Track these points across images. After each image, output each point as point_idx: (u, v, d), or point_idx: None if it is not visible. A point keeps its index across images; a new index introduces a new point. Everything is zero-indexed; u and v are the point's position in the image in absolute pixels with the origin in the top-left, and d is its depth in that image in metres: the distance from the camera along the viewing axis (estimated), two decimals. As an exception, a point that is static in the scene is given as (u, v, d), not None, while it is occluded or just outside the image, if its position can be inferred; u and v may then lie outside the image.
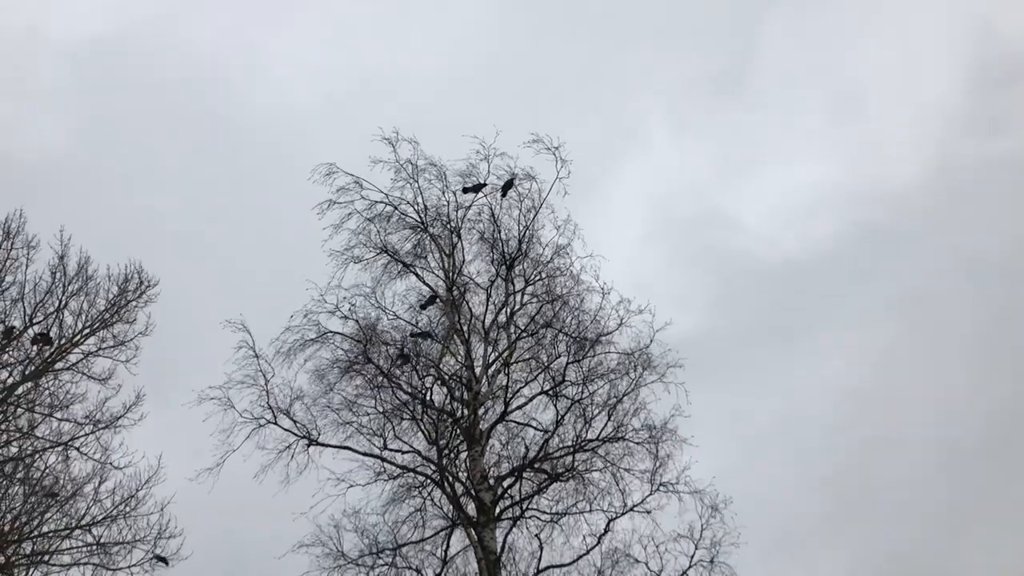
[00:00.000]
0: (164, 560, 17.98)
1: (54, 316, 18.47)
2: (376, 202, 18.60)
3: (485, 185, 18.74)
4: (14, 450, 17.92)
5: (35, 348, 18.38)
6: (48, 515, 17.93)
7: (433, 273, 18.78)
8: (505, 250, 18.68)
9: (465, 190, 18.81)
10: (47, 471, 18.04)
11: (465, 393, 17.67)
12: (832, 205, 38.07)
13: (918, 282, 33.26)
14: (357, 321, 17.84)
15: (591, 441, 17.36)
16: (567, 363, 17.83)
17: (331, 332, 17.84)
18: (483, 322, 18.27)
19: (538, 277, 18.63)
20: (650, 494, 17.17)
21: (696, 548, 16.84)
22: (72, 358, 18.56)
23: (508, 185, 18.68)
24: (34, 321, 18.36)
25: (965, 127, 38.52)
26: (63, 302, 18.50)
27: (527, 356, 18.17)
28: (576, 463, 17.27)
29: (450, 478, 17.00)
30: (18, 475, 17.79)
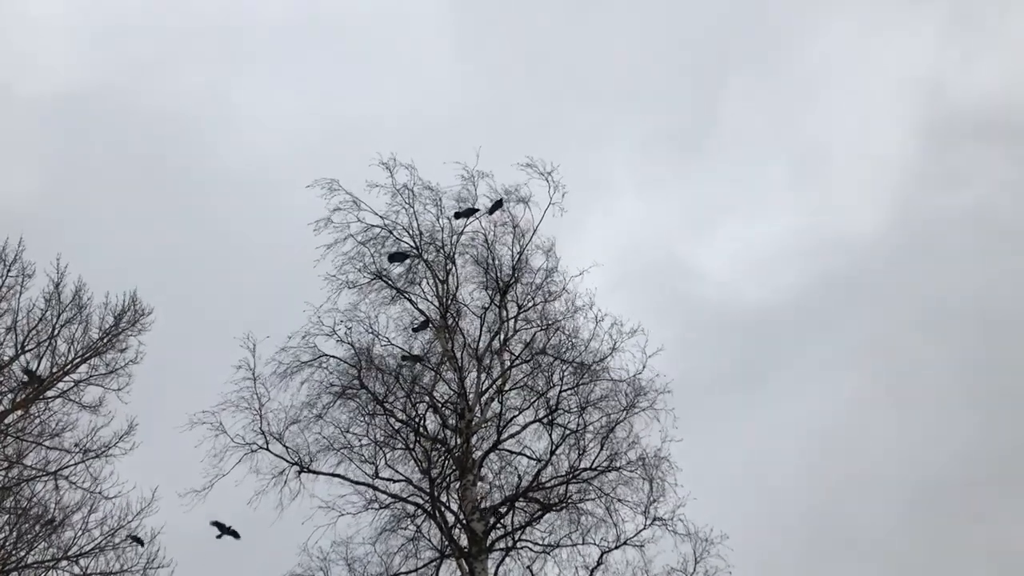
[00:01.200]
0: (139, 541, 17.72)
1: (47, 344, 18.44)
2: (372, 226, 18.63)
3: (477, 210, 18.77)
4: (0, 477, 17.74)
5: (20, 385, 18.32)
6: (35, 545, 17.71)
7: (426, 299, 18.71)
8: (499, 275, 18.62)
9: (457, 215, 18.79)
10: (35, 500, 17.85)
11: (458, 421, 17.49)
12: (794, 256, 39.02)
13: (881, 329, 34.03)
14: (352, 345, 17.75)
15: (585, 471, 17.10)
16: (561, 391, 17.68)
17: (326, 355, 17.73)
18: (476, 348, 18.16)
19: (532, 303, 18.56)
20: (644, 528, 16.87)
21: (690, 583, 16.54)
22: (63, 386, 18.52)
23: (497, 205, 18.66)
24: (26, 349, 18.29)
25: (922, 181, 40.09)
26: (56, 330, 18.50)
27: (521, 383, 18.03)
28: (569, 493, 17.02)
29: (442, 508, 16.75)
30: (5, 504, 17.59)
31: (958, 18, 43.79)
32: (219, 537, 17.28)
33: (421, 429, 17.31)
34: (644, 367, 17.39)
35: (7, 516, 17.31)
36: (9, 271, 18.56)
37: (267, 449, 17.02)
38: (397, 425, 17.28)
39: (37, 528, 17.28)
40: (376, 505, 17.00)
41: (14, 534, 17.30)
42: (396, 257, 18.57)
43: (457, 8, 46.47)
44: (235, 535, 17.40)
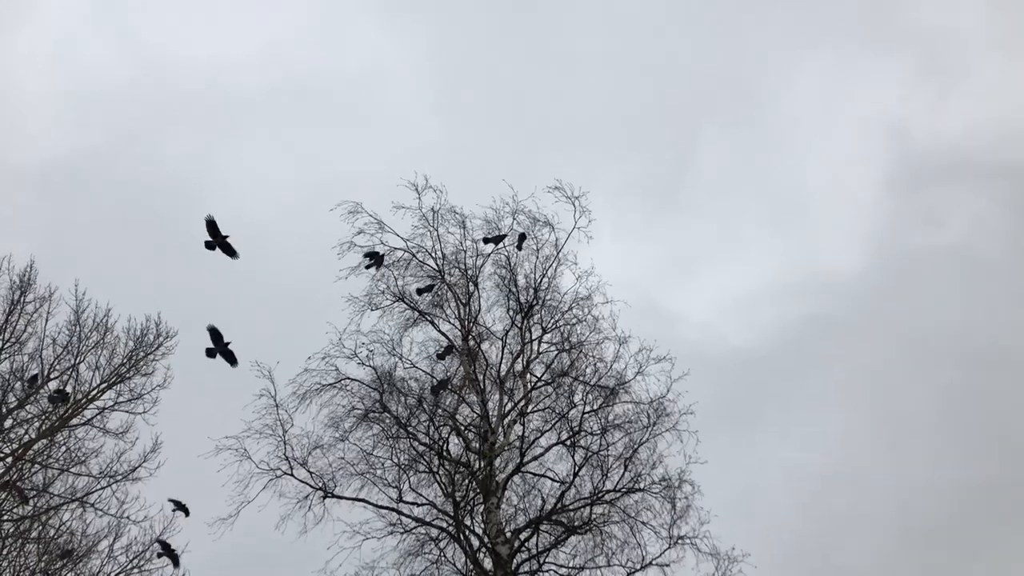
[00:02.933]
0: (183, 508, 17.83)
1: (70, 371, 18.51)
2: (395, 248, 18.64)
3: (505, 236, 18.78)
4: (28, 508, 17.84)
5: (52, 405, 18.39)
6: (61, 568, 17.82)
7: (449, 322, 18.73)
8: (522, 298, 18.62)
9: (485, 240, 18.86)
10: (62, 528, 17.95)
11: (481, 444, 17.49)
12: (775, 297, 39.36)
13: (866, 366, 34.19)
14: (375, 368, 17.77)
15: (608, 492, 17.11)
16: (584, 413, 17.65)
17: (348, 378, 17.77)
18: (499, 371, 18.15)
19: (555, 325, 18.52)
20: (668, 547, 16.86)
21: (714, 602, 16.51)
22: (88, 413, 18.57)
23: (522, 239, 18.83)
24: (50, 377, 18.38)
25: (896, 222, 40.75)
26: (79, 357, 18.56)
27: (543, 406, 18.01)
28: (593, 516, 17.01)
29: (466, 531, 16.78)
30: (33, 534, 17.70)
31: (923, 66, 45.30)
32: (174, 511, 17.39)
33: (444, 452, 17.32)
34: (668, 390, 17.39)
35: (34, 545, 17.43)
36: (25, 298, 18.64)
37: (291, 475, 17.09)
38: (420, 448, 17.29)
39: (60, 563, 17.39)
40: (400, 529, 17.05)
41: (41, 563, 17.43)
42: (423, 291, 18.57)
43: (435, 65, 47.47)
44: (185, 511, 17.43)
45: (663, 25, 47.70)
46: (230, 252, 17.12)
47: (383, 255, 18.47)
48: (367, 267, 18.33)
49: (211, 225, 16.96)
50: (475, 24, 47.91)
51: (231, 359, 17.41)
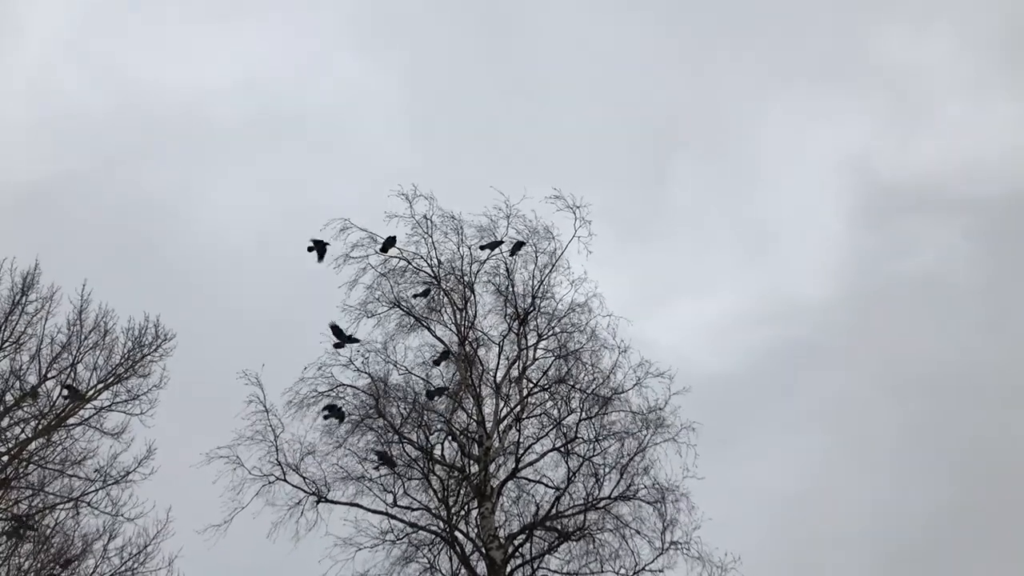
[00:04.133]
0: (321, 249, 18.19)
1: (69, 371, 18.55)
2: (390, 256, 18.66)
3: (502, 243, 18.80)
4: (23, 507, 17.88)
5: (61, 398, 18.42)
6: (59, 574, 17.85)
7: (445, 327, 18.73)
8: (519, 304, 18.61)
9: (482, 247, 18.87)
10: (56, 528, 17.98)
11: (476, 449, 17.48)
12: (748, 326, 39.97)
13: (840, 392, 34.94)
14: (370, 375, 17.78)
15: (602, 499, 17.10)
16: (579, 420, 17.64)
17: (343, 385, 17.78)
18: (495, 377, 18.15)
19: (551, 332, 18.52)
20: (660, 554, 16.83)
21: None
22: (85, 413, 18.61)
23: (517, 246, 18.80)
24: (48, 376, 18.43)
25: (866, 253, 41.77)
26: (78, 357, 18.60)
27: (539, 412, 18.00)
28: (587, 522, 16.99)
29: (460, 536, 16.76)
30: (29, 533, 17.71)
31: (890, 103, 47.13)
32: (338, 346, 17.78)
33: (439, 457, 17.31)
34: (667, 403, 17.42)
35: (30, 545, 17.46)
36: (28, 297, 18.71)
37: (284, 480, 17.08)
38: (415, 454, 17.28)
39: (56, 568, 17.40)
40: (392, 536, 17.02)
41: (36, 563, 17.45)
42: (420, 294, 18.74)
43: (409, 94, 48.36)
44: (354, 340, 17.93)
45: (638, 58, 48.96)
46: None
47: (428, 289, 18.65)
48: (325, 418, 18.09)
49: (336, 331, 17.94)
50: (449, 53, 49.05)
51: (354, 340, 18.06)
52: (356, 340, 18.04)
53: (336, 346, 17.97)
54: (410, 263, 18.69)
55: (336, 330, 17.93)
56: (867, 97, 47.59)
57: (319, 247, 18.37)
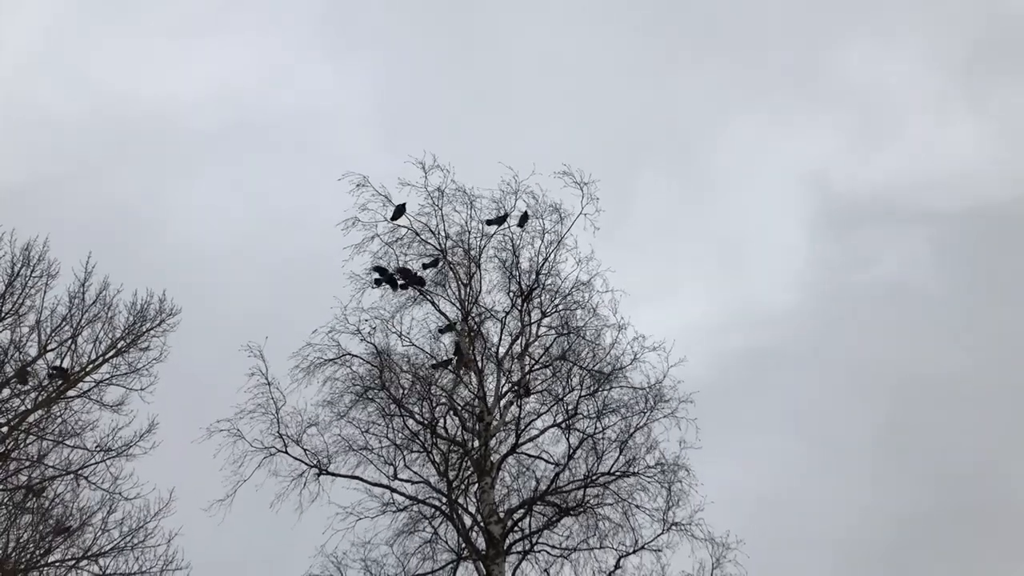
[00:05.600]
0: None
1: (69, 343, 18.54)
2: (399, 226, 18.63)
3: (508, 216, 18.79)
4: (23, 478, 17.86)
5: (49, 380, 18.41)
6: (55, 547, 17.82)
7: (450, 301, 18.67)
8: (523, 281, 18.61)
9: (488, 222, 18.83)
10: (56, 500, 17.97)
11: (476, 424, 17.52)
12: (713, 333, 39.90)
13: (806, 396, 35.23)
14: (375, 345, 17.79)
15: (602, 475, 17.10)
16: (580, 396, 17.68)
17: (350, 354, 17.71)
18: (497, 352, 18.16)
19: (555, 309, 18.55)
20: (662, 532, 16.85)
21: (706, 588, 16.52)
22: (85, 386, 18.60)
23: (524, 218, 18.72)
24: (48, 348, 18.41)
25: (829, 263, 42.98)
26: (78, 329, 18.59)
27: (540, 388, 18.04)
28: (587, 498, 17.01)
29: (459, 510, 16.79)
30: (28, 504, 17.69)
31: (851, 120, 48.62)
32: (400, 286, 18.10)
33: (440, 431, 17.34)
34: (665, 376, 17.42)
35: (30, 516, 17.43)
36: (33, 271, 18.72)
37: (286, 452, 17.05)
38: (416, 427, 17.30)
39: (55, 537, 17.37)
40: (393, 508, 17.04)
41: (36, 534, 17.43)
42: (429, 265, 18.66)
43: (378, 103, 49.24)
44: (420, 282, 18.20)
45: (605, 71, 49.79)
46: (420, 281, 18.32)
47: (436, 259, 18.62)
48: (376, 282, 18.39)
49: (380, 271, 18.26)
50: (417, 62, 50.00)
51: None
52: (421, 280, 18.15)
53: (377, 282, 18.04)
54: (418, 234, 18.68)
55: (381, 270, 18.02)
56: (830, 112, 49.45)
57: (384, 275, 18.28)
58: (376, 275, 18.24)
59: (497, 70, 48.62)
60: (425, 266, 18.65)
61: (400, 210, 18.34)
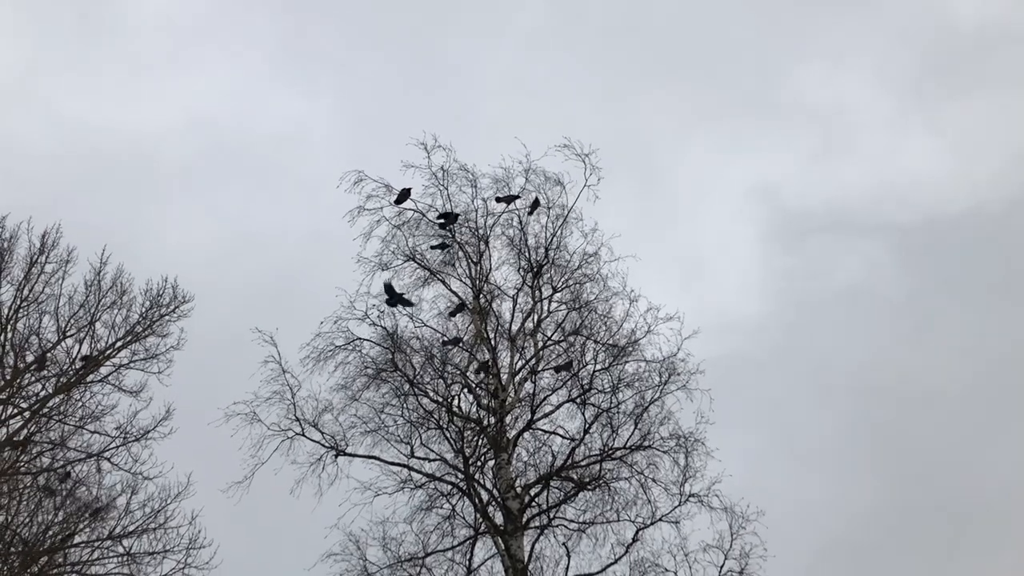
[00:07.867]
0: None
1: (87, 329, 18.81)
2: (405, 209, 18.67)
3: (518, 196, 18.78)
4: (46, 461, 18.17)
5: (78, 363, 18.66)
6: (82, 526, 18.14)
7: (460, 280, 18.74)
8: (532, 257, 18.63)
9: (498, 200, 18.80)
10: (80, 482, 18.27)
11: (492, 401, 17.58)
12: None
13: (773, 397, 35.58)
14: (385, 328, 17.85)
15: (618, 449, 17.17)
16: (595, 371, 17.71)
17: (360, 339, 17.80)
18: (510, 329, 18.22)
19: (565, 284, 18.55)
20: (679, 504, 16.93)
21: (726, 559, 16.54)
22: (104, 370, 18.88)
23: (535, 205, 18.75)
24: (67, 334, 18.68)
25: (789, 272, 44.07)
26: (96, 315, 18.86)
27: (554, 364, 18.06)
28: (603, 472, 17.10)
29: (476, 487, 16.90)
30: (58, 487, 17.98)
31: (808, 135, 49.73)
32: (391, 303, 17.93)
33: (455, 409, 17.42)
34: (679, 349, 17.43)
35: (55, 499, 17.73)
36: (48, 259, 18.97)
37: (303, 435, 17.17)
38: (431, 406, 17.38)
39: (85, 515, 17.69)
40: (411, 485, 17.16)
41: (63, 515, 17.74)
42: (438, 246, 18.63)
43: (349, 128, 49.37)
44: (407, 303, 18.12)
45: (568, 89, 50.12)
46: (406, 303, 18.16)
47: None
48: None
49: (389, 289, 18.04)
50: (386, 85, 50.42)
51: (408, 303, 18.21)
52: (410, 303, 18.13)
53: (389, 303, 17.97)
54: (424, 215, 18.71)
55: (389, 288, 17.98)
56: (787, 130, 50.64)
57: (390, 292, 18.17)
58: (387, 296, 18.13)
59: (461, 93, 49.18)
60: (434, 247, 18.65)
61: (405, 194, 18.34)
